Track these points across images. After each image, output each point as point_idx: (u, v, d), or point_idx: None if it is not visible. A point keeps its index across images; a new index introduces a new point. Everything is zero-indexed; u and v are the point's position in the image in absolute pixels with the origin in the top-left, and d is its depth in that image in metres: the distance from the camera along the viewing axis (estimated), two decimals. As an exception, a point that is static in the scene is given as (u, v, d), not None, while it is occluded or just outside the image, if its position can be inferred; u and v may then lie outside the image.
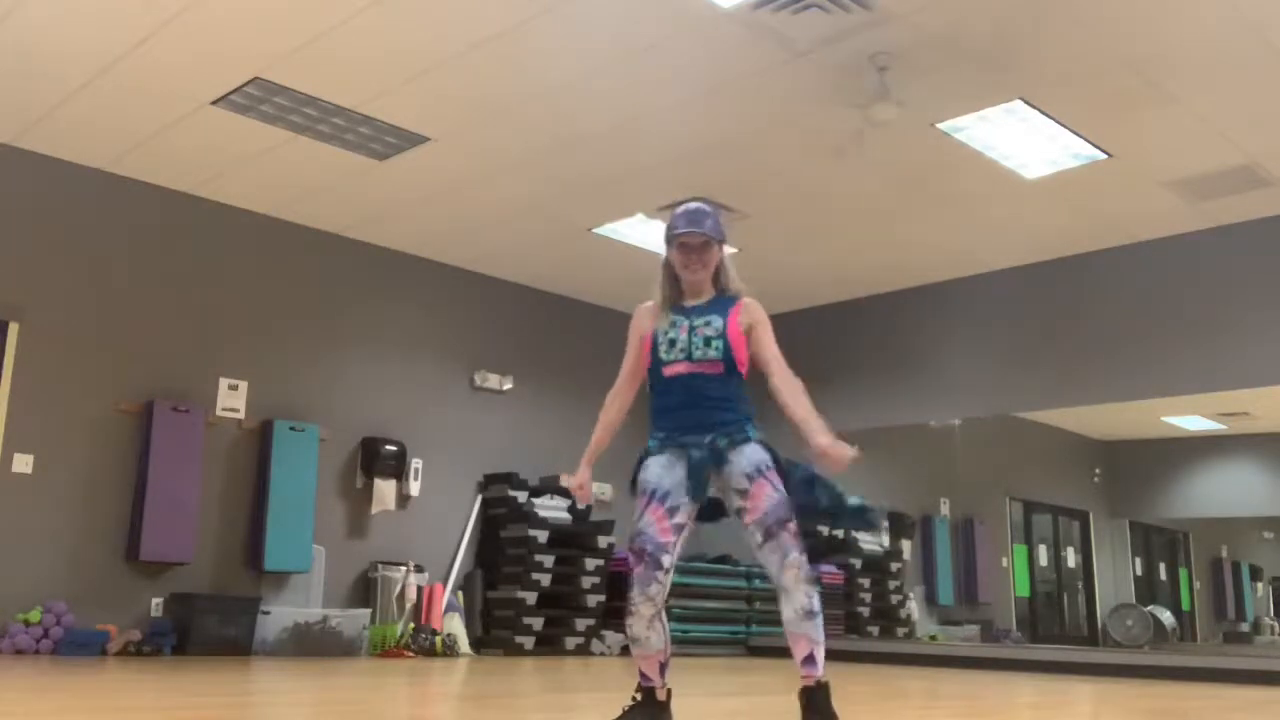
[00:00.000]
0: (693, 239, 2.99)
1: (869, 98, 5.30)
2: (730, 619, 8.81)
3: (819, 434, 2.82)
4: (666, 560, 2.82)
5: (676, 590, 8.42)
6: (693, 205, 3.07)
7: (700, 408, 2.89)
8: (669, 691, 2.96)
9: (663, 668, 2.91)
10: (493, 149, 6.33)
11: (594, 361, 8.95)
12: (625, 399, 3.13)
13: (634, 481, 2.94)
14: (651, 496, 2.85)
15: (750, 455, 2.86)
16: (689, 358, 2.92)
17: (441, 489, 7.97)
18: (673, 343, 2.94)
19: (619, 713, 2.89)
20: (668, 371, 2.94)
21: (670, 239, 3.03)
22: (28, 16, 5.01)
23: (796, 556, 2.77)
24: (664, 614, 2.88)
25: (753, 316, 2.98)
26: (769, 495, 2.82)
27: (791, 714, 2.89)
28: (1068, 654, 7.65)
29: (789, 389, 2.90)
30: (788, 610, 2.80)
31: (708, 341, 2.92)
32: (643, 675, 2.93)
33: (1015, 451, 8.97)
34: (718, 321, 2.94)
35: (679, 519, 2.85)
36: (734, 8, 4.80)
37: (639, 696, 2.93)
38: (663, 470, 2.88)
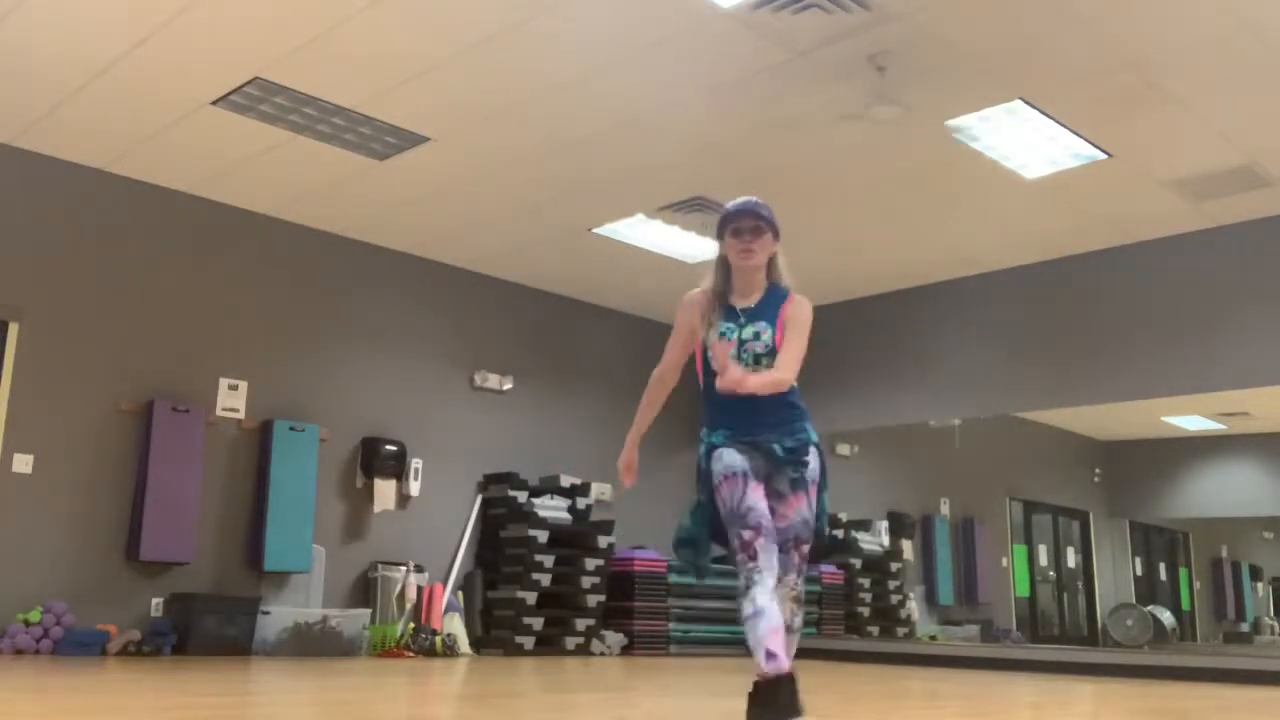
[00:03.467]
0: (745, 222, 3.00)
1: (869, 98, 5.30)
2: (732, 619, 8.78)
3: (741, 376, 2.79)
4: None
5: (677, 590, 8.43)
6: (744, 198, 3.07)
7: (757, 415, 2.90)
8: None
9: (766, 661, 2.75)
10: (493, 149, 6.33)
11: (594, 361, 9.04)
12: (670, 382, 3.17)
13: (704, 473, 2.94)
14: (745, 476, 2.86)
15: (810, 463, 2.91)
16: None
17: (441, 489, 7.97)
18: None
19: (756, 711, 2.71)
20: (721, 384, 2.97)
21: (723, 226, 3.04)
22: (27, 17, 5.01)
23: (795, 580, 2.83)
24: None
25: (796, 316, 2.98)
26: (799, 511, 2.87)
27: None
28: (1068, 654, 7.65)
29: (779, 373, 2.90)
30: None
31: (758, 359, 2.94)
32: (769, 655, 2.71)
33: (1015, 451, 8.97)
34: (767, 334, 2.94)
35: (771, 498, 2.89)
36: (734, 8, 4.80)
37: (762, 684, 2.71)
38: (741, 457, 2.90)
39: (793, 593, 2.84)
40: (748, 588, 2.78)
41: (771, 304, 2.99)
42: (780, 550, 2.84)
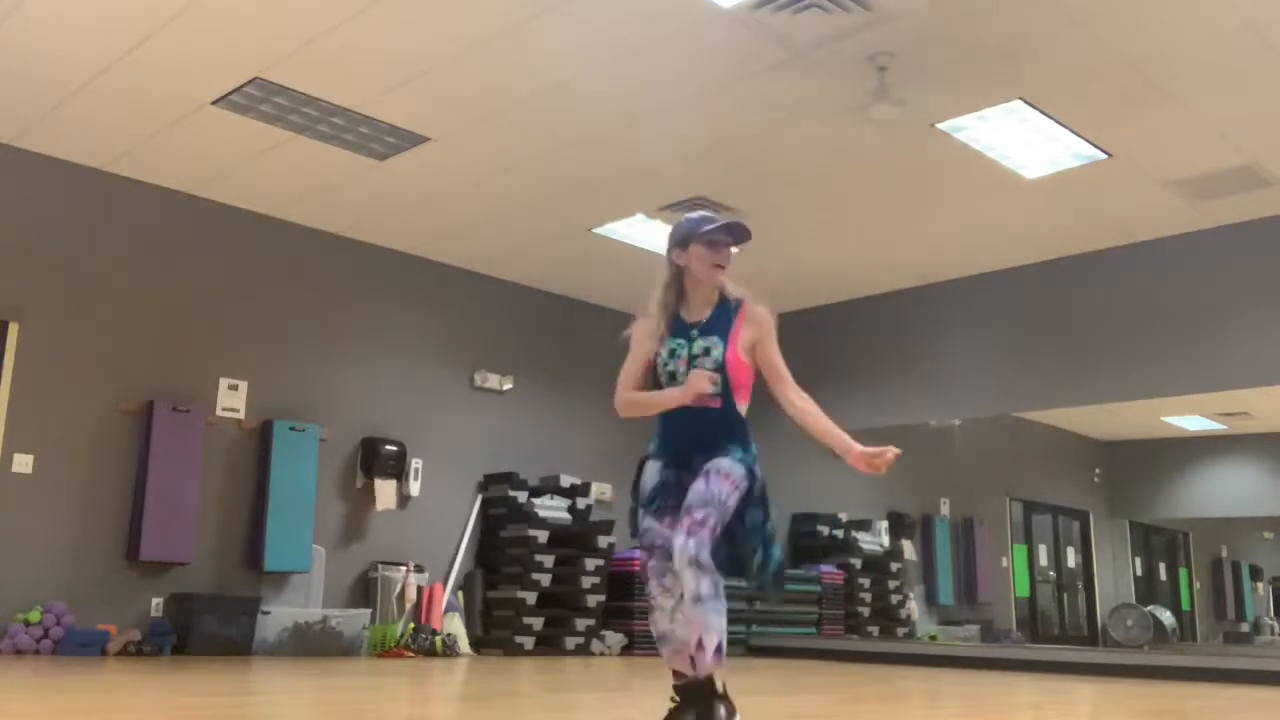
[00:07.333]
0: (727, 237, 2.94)
1: (869, 98, 5.30)
2: (733, 619, 8.77)
3: (852, 444, 2.83)
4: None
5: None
6: (711, 213, 3.03)
7: (699, 437, 2.89)
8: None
9: (693, 660, 2.81)
10: (493, 149, 6.33)
11: (594, 361, 9.00)
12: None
13: (635, 482, 3.00)
14: (649, 504, 2.93)
15: (718, 461, 2.84)
16: None
17: (441, 489, 7.97)
18: (673, 375, 2.91)
19: None
20: None
21: (695, 236, 2.92)
22: (28, 17, 5.01)
23: (684, 541, 2.71)
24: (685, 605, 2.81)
25: (757, 329, 2.92)
26: (700, 486, 2.79)
27: (791, 714, 2.90)
28: (1068, 654, 7.65)
29: (804, 405, 2.91)
30: (684, 593, 2.77)
31: None
32: (676, 674, 2.89)
33: (1015, 451, 8.97)
34: (718, 350, 2.88)
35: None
36: (734, 8, 4.80)
37: (676, 698, 2.88)
38: (659, 478, 2.94)
39: (684, 556, 2.70)
40: (649, 611, 2.94)
41: (723, 319, 2.93)
42: (677, 517, 2.79)
